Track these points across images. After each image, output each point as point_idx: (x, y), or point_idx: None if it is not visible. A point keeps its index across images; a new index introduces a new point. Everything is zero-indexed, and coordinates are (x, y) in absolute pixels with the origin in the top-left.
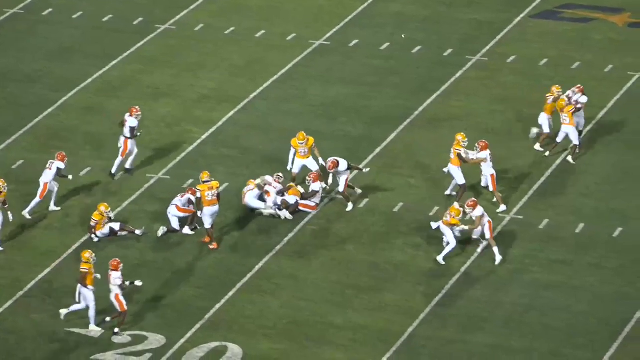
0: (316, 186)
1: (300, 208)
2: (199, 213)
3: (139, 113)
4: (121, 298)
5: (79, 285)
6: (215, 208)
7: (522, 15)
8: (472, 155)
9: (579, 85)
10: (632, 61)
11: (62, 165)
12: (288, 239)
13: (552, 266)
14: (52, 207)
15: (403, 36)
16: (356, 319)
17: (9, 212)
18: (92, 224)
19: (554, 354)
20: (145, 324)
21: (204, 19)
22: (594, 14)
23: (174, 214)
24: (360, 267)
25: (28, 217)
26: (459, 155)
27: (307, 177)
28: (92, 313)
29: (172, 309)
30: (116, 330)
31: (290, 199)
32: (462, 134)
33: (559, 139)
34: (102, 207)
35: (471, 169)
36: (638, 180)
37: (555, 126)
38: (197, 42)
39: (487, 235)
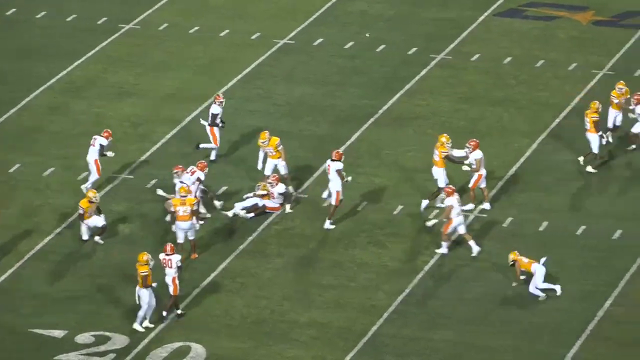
0: (280, 188)
1: (266, 210)
2: (172, 227)
3: (222, 100)
4: (177, 281)
5: (137, 289)
6: (187, 224)
7: (486, 14)
8: (462, 155)
9: (637, 94)
10: (596, 59)
11: (105, 142)
12: (252, 238)
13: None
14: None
15: (367, 35)
16: (320, 317)
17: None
18: (81, 211)
19: (517, 350)
20: (109, 325)
21: (168, 19)
22: (558, 12)
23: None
24: (324, 265)
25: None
26: (448, 157)
27: (270, 180)
28: (141, 313)
29: (136, 309)
30: (178, 311)
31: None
32: (446, 135)
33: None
34: (90, 194)
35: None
36: (600, 178)
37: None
38: (161, 41)
39: (458, 231)
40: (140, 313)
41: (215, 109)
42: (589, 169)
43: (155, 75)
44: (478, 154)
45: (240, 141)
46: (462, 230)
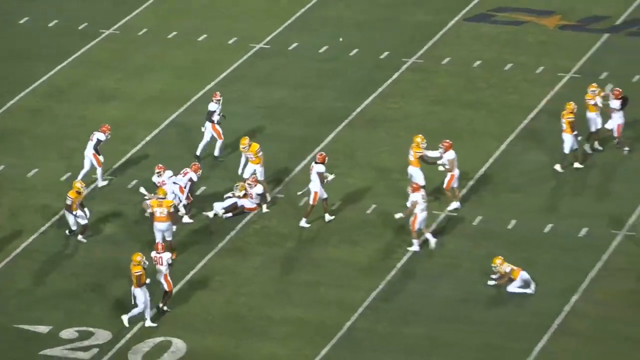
0: (258, 189)
1: (244, 210)
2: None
3: (219, 98)
4: (169, 278)
5: (132, 289)
6: (164, 225)
7: (456, 18)
8: (436, 155)
9: (616, 89)
10: (562, 63)
11: (102, 137)
12: (230, 237)
13: (485, 261)
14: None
15: (341, 39)
16: (296, 313)
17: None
18: (68, 202)
19: (487, 345)
20: (92, 320)
21: (148, 24)
22: (526, 17)
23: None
24: (300, 263)
25: (102, 184)
26: (422, 157)
27: (249, 181)
28: (136, 311)
29: (118, 305)
30: (164, 307)
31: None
32: (421, 135)
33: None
34: (78, 184)
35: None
36: (566, 178)
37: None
38: (141, 45)
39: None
40: (135, 311)
41: (212, 106)
42: (577, 165)
43: (135, 79)
44: (451, 155)
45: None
46: (422, 225)
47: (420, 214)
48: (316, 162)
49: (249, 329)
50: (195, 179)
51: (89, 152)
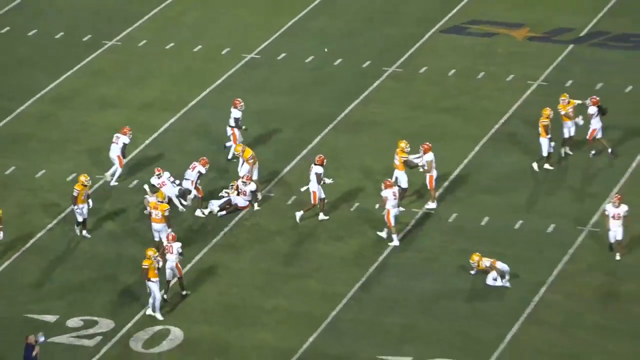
0: (252, 187)
1: (237, 208)
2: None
3: (242, 104)
4: (179, 265)
5: (146, 281)
6: (159, 226)
7: (432, 31)
8: (418, 160)
9: (593, 97)
10: (531, 71)
11: (127, 140)
12: (224, 233)
13: (459, 255)
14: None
15: (326, 50)
16: (284, 303)
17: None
18: (75, 194)
19: (461, 333)
20: (95, 310)
21: (147, 36)
22: (497, 29)
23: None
24: (288, 257)
25: (114, 183)
26: (406, 162)
27: (243, 179)
28: (151, 301)
29: (120, 296)
30: (184, 292)
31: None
32: (405, 141)
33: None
34: (82, 177)
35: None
36: (534, 177)
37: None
38: (140, 56)
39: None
40: (150, 301)
41: (236, 113)
42: (547, 166)
43: (135, 87)
44: (429, 156)
45: (212, 147)
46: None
47: (392, 210)
48: (315, 164)
49: (241, 318)
50: (203, 172)
51: (114, 154)
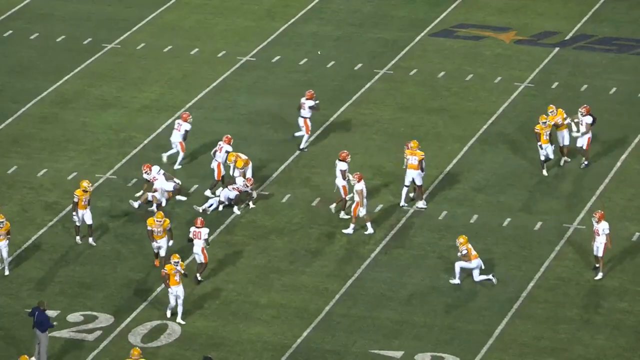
0: (239, 181)
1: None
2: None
3: (314, 95)
4: (205, 251)
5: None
6: (161, 242)
7: (422, 34)
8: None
9: (585, 106)
10: (517, 73)
11: (188, 127)
12: (220, 230)
13: (449, 252)
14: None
15: (319, 53)
16: (278, 299)
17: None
18: (75, 200)
19: (451, 328)
20: (95, 305)
21: (145, 39)
22: (485, 33)
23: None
24: (282, 253)
25: (177, 167)
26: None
27: (246, 183)
28: (179, 309)
29: (119, 292)
30: (199, 277)
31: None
32: (414, 140)
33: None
34: (85, 183)
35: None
36: (521, 176)
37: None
38: (139, 58)
39: (358, 212)
40: (172, 305)
41: (310, 103)
42: (544, 172)
43: (134, 89)
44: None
45: (209, 145)
46: (362, 212)
47: (363, 202)
48: (339, 160)
49: (236, 313)
50: (230, 149)
51: (176, 139)
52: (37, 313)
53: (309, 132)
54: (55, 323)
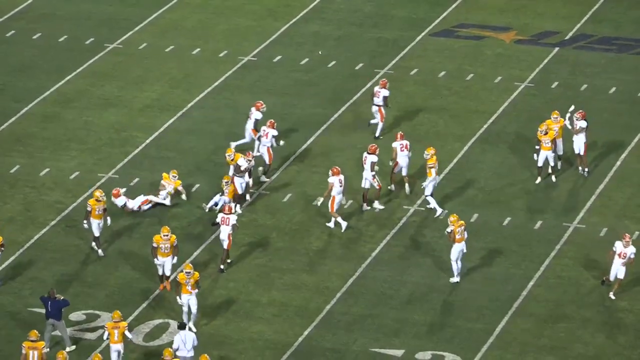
0: (243, 161)
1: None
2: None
3: (387, 83)
4: (231, 237)
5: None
6: (166, 259)
7: (423, 34)
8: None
9: (580, 111)
10: (518, 73)
11: (259, 116)
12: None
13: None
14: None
15: (320, 53)
16: (279, 297)
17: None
18: (88, 209)
19: (452, 326)
20: (97, 304)
21: (147, 39)
22: (485, 33)
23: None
24: (283, 252)
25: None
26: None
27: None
28: (191, 317)
29: (121, 291)
30: (222, 267)
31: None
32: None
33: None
34: (98, 193)
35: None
36: (522, 176)
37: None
38: (141, 58)
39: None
40: (185, 314)
41: (385, 92)
42: (538, 180)
43: (135, 88)
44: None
45: (210, 144)
46: (337, 206)
47: (337, 197)
48: (368, 153)
49: (238, 312)
50: (276, 133)
51: (250, 126)
52: (49, 303)
53: (383, 120)
54: (68, 300)
